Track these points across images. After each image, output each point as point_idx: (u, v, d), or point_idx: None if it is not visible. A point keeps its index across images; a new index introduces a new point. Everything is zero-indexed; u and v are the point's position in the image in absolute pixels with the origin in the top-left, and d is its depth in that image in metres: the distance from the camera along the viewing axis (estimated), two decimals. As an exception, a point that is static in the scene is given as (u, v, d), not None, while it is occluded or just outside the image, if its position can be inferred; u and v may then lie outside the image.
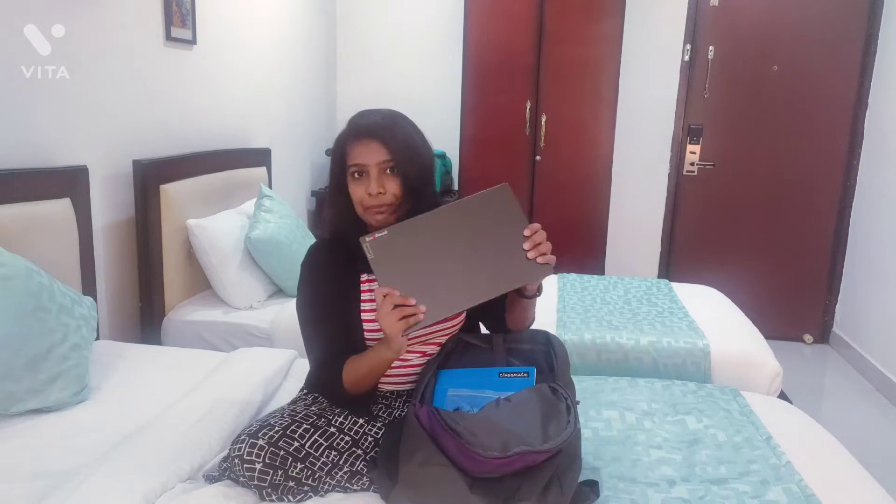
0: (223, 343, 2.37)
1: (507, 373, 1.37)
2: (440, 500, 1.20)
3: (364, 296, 1.45)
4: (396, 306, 1.21)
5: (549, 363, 1.41)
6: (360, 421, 1.40)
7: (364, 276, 1.46)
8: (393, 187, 1.37)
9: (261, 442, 1.26)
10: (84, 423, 1.58)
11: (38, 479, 1.33)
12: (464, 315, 1.51)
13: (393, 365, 1.47)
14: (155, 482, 1.27)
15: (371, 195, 1.36)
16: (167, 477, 1.30)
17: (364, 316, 1.44)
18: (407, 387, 1.49)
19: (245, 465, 1.25)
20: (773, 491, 1.36)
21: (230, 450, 1.29)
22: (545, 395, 1.27)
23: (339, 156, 1.41)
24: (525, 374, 1.35)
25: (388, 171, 1.37)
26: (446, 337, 1.49)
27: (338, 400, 1.42)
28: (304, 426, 1.32)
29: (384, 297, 1.21)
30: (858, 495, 1.40)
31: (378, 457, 1.33)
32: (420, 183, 1.39)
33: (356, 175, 1.38)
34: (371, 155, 1.36)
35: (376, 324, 1.35)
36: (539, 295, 1.41)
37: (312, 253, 1.49)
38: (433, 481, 1.20)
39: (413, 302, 1.21)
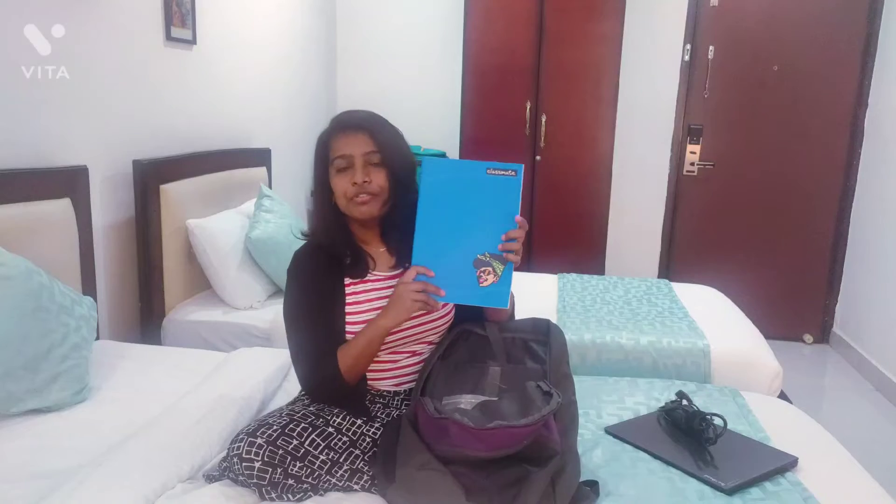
0: (223, 343, 2.37)
1: (494, 169, 1.35)
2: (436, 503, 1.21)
3: (349, 298, 1.45)
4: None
5: (544, 356, 1.43)
6: (358, 422, 1.41)
7: (347, 280, 1.47)
8: (379, 178, 1.40)
9: (259, 440, 1.26)
10: (84, 423, 1.58)
11: (38, 479, 1.33)
12: (452, 313, 1.52)
13: (386, 366, 1.47)
14: (155, 482, 1.27)
15: (356, 184, 1.38)
16: (167, 477, 1.30)
17: (349, 318, 1.44)
18: (403, 387, 1.50)
19: (244, 464, 1.25)
20: (773, 491, 1.36)
21: (229, 449, 1.29)
22: (530, 395, 1.30)
23: (323, 152, 1.43)
24: (513, 173, 1.35)
25: (373, 163, 1.40)
26: (436, 336, 1.50)
27: (337, 394, 1.42)
28: (303, 425, 1.32)
29: (415, 274, 1.30)
30: (858, 495, 1.40)
31: (377, 454, 1.34)
32: (405, 175, 1.43)
33: (341, 168, 1.40)
34: (357, 146, 1.39)
35: (359, 326, 1.41)
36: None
37: (299, 259, 1.50)
38: (430, 486, 1.21)
39: (443, 293, 1.32)
